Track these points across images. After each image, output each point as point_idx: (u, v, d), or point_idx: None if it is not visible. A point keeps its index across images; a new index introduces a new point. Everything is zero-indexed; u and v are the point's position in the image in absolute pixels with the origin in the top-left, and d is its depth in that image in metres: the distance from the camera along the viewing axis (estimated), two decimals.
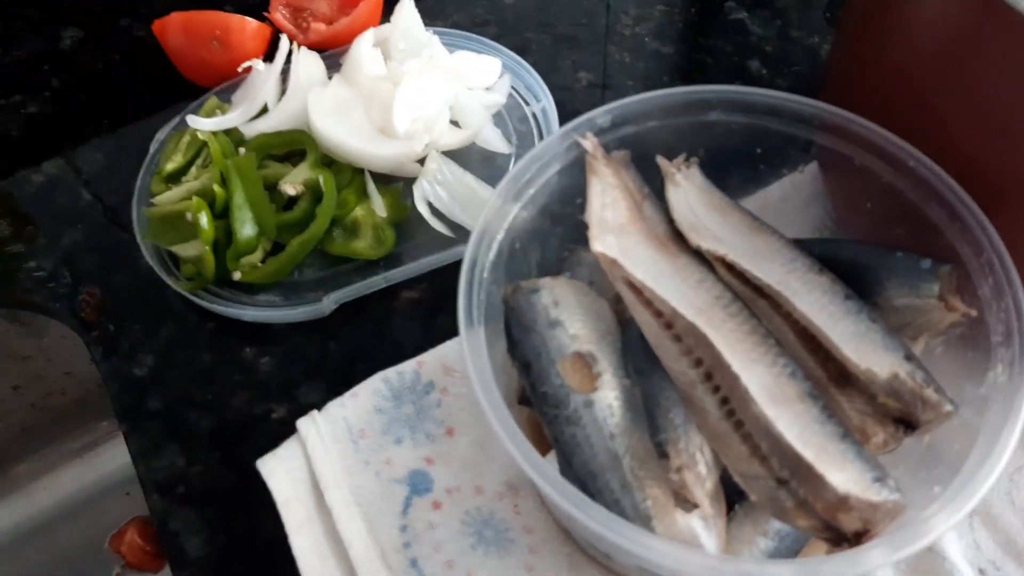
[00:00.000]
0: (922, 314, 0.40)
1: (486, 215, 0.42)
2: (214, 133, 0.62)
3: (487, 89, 0.67)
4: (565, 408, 0.39)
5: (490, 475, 0.48)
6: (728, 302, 0.40)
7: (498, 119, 0.66)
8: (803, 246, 0.43)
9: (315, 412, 0.50)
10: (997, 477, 0.33)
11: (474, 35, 0.71)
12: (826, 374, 0.39)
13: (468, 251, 0.40)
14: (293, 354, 0.56)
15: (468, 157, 0.63)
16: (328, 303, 0.56)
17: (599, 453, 0.38)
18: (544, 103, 0.66)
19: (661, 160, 0.46)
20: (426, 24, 0.69)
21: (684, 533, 0.37)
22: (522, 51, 0.70)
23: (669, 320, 0.39)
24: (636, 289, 0.40)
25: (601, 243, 0.41)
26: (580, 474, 0.39)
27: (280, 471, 0.47)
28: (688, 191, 0.45)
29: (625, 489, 0.38)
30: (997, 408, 0.35)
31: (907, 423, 0.37)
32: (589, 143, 0.44)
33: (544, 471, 0.34)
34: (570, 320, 0.42)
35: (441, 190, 0.59)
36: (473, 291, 0.39)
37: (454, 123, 0.64)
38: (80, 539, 0.90)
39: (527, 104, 0.68)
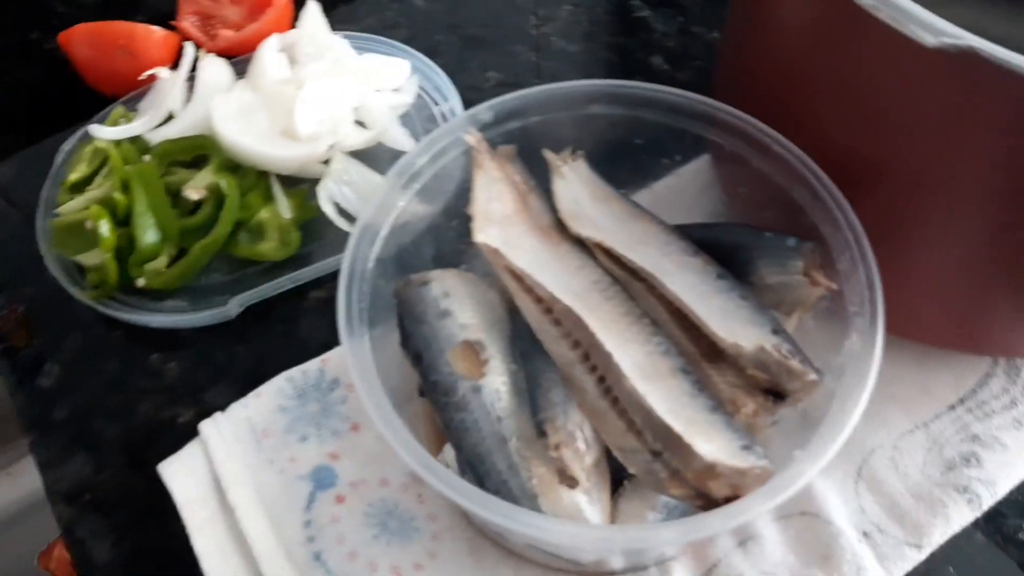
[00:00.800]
0: (792, 290, 0.42)
1: (367, 212, 0.43)
2: (118, 142, 0.62)
3: (395, 90, 0.68)
4: (454, 395, 0.40)
5: (395, 467, 0.48)
6: (606, 286, 0.42)
7: (406, 119, 0.67)
8: (684, 231, 0.45)
9: (218, 414, 0.50)
10: (852, 429, 0.35)
11: (384, 38, 0.72)
12: (698, 350, 0.40)
13: (348, 249, 0.41)
14: (200, 358, 0.56)
15: (376, 157, 0.64)
16: (234, 306, 0.56)
17: (487, 436, 0.40)
18: (452, 103, 0.67)
19: (547, 153, 0.47)
20: (338, 28, 0.70)
21: (569, 509, 0.38)
22: (432, 53, 0.71)
23: (548, 305, 0.41)
24: (518, 277, 0.42)
25: (484, 234, 0.43)
26: (469, 458, 0.40)
27: (181, 473, 0.47)
28: (573, 183, 0.46)
29: (512, 470, 0.39)
30: (852, 373, 0.37)
31: (776, 393, 0.39)
32: (472, 138, 0.45)
33: (426, 463, 0.35)
34: (460, 310, 0.43)
35: (347, 190, 0.60)
36: (354, 290, 0.40)
37: (361, 124, 0.65)
38: (8, 557, 0.89)
39: (436, 104, 0.68)
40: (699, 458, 0.35)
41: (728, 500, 0.35)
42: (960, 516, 0.46)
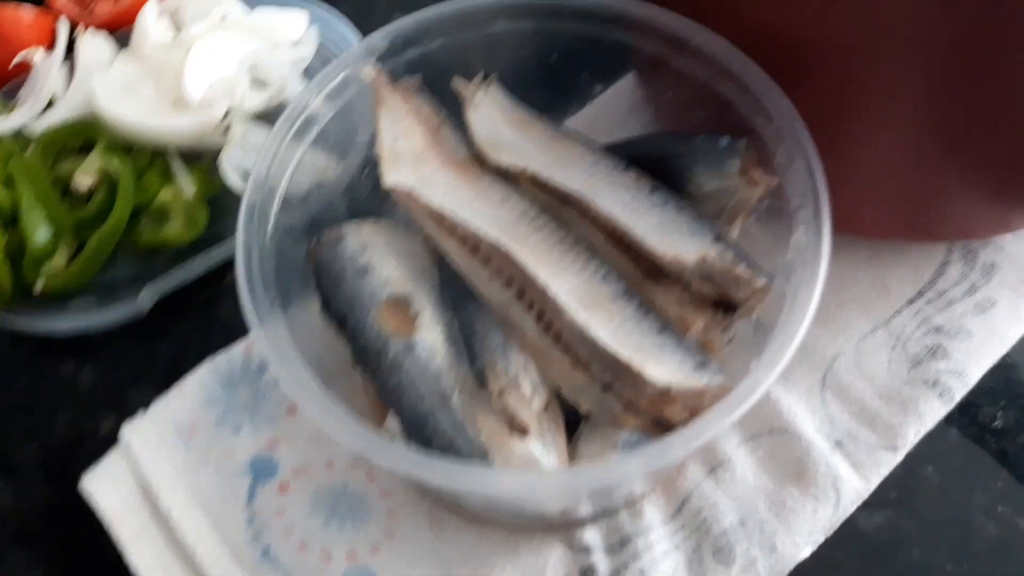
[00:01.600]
0: (731, 195, 0.39)
1: (257, 170, 0.39)
2: None
3: (294, 44, 0.63)
4: (386, 357, 0.37)
5: (340, 447, 0.45)
6: (534, 216, 0.39)
7: (310, 74, 0.62)
8: (612, 149, 0.42)
9: (138, 416, 0.46)
10: (806, 330, 0.32)
11: None
12: (639, 271, 0.38)
13: (240, 217, 0.37)
14: (116, 360, 0.52)
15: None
16: (146, 299, 0.52)
17: (426, 396, 0.37)
18: None
19: (458, 81, 0.43)
20: None
21: (523, 460, 0.36)
22: (332, 0, 0.66)
23: (474, 244, 0.38)
24: (438, 217, 0.38)
25: (394, 175, 0.39)
26: (411, 421, 0.37)
27: (105, 486, 0.43)
28: (488, 110, 0.43)
29: (457, 427, 0.36)
30: (800, 269, 0.34)
31: (726, 305, 0.37)
32: (369, 71, 0.41)
33: (364, 438, 0.32)
34: (380, 264, 0.40)
35: (253, 156, 0.56)
36: (254, 262, 0.37)
37: (261, 84, 0.60)
38: None
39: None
40: (651, 384, 0.33)
41: (686, 423, 0.33)
42: (932, 412, 0.44)
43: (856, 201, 0.45)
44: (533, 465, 0.36)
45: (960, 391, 0.44)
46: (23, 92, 0.62)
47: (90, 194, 0.55)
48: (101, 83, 0.57)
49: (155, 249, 0.54)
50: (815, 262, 0.34)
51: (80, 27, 0.63)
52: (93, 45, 0.61)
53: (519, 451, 0.36)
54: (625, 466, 0.33)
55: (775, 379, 0.32)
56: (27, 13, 0.65)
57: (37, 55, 0.61)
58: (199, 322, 0.53)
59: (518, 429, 0.35)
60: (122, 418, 0.48)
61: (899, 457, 0.43)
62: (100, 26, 0.64)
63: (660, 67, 0.41)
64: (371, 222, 0.42)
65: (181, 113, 0.55)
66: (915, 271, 0.48)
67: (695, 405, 0.33)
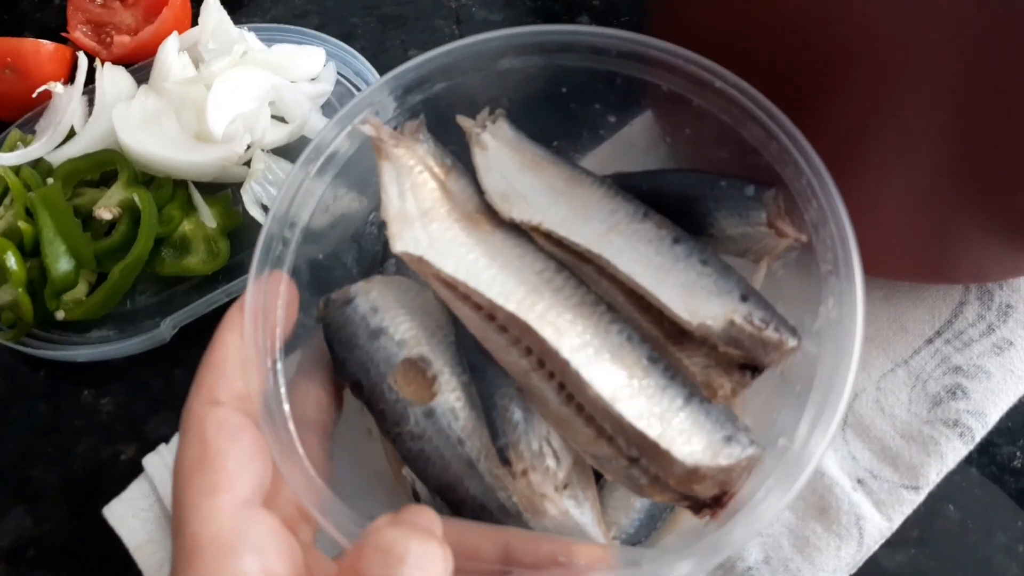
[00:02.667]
0: (756, 241, 0.38)
1: (277, 208, 0.37)
2: (16, 168, 0.57)
3: (312, 80, 0.64)
4: (406, 423, 0.36)
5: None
6: (552, 275, 0.36)
7: (328, 109, 0.63)
8: (628, 183, 0.40)
9: (162, 446, 0.46)
10: (841, 418, 0.31)
11: (294, 27, 0.68)
12: (662, 332, 0.36)
13: (254, 264, 0.36)
14: (136, 389, 0.52)
15: (299, 152, 0.59)
16: (167, 328, 0.52)
17: (451, 463, 0.35)
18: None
19: (462, 120, 0.41)
20: (243, 21, 0.66)
21: (558, 518, 0.35)
22: (348, 37, 0.68)
23: (490, 312, 0.35)
24: (452, 285, 0.36)
25: (402, 241, 0.36)
26: (438, 488, 0.36)
27: (128, 515, 0.43)
28: (497, 152, 0.40)
29: (488, 493, 0.35)
30: (831, 347, 0.33)
31: (752, 367, 0.35)
32: (371, 127, 0.38)
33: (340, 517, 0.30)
34: (393, 325, 0.37)
35: (273, 189, 0.56)
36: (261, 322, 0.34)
37: (280, 119, 0.61)
38: None
39: (358, 90, 0.65)
40: (679, 463, 0.32)
41: (716, 498, 0.32)
42: (954, 451, 0.44)
43: (874, 243, 0.45)
44: (570, 521, 0.35)
45: (980, 431, 0.45)
46: (41, 124, 0.63)
47: (110, 225, 0.55)
48: (123, 116, 0.57)
49: (176, 280, 0.54)
50: (850, 339, 0.32)
51: (97, 61, 0.63)
52: (113, 78, 0.62)
53: (554, 510, 0.35)
54: (680, 567, 0.30)
55: (824, 452, 0.30)
56: (46, 47, 0.66)
57: (56, 88, 0.62)
58: None
59: (548, 503, 0.34)
60: (142, 445, 0.49)
61: (921, 497, 0.43)
62: (117, 60, 0.65)
63: (679, 104, 0.40)
64: (379, 280, 0.40)
65: (204, 147, 0.56)
66: (932, 311, 0.49)
67: (725, 480, 0.32)
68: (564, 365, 0.33)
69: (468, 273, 0.36)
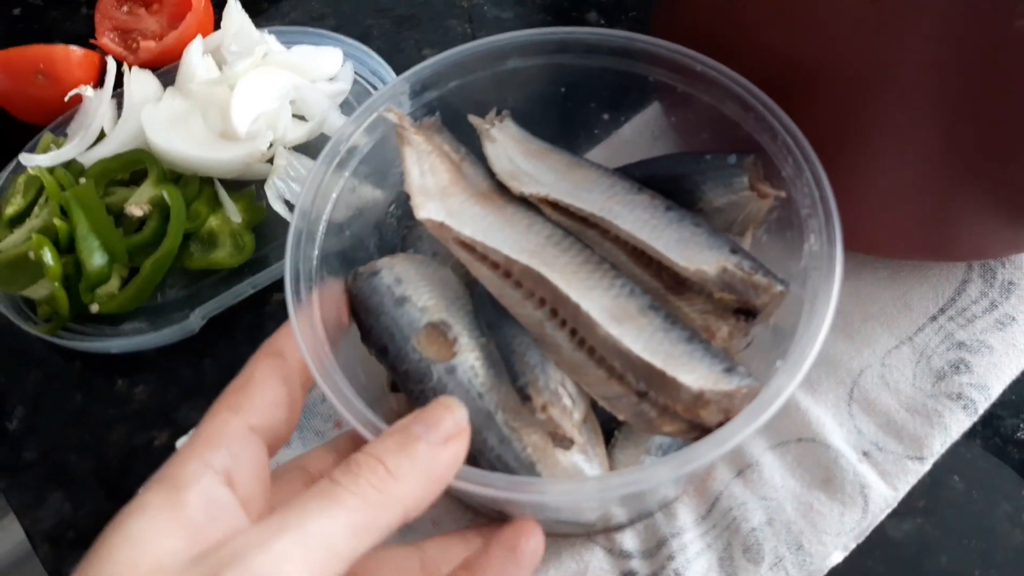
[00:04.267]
0: (741, 208, 0.41)
1: (303, 201, 0.40)
2: (51, 168, 0.59)
3: (331, 79, 0.66)
4: (430, 380, 0.38)
5: None
6: (559, 239, 0.41)
7: (347, 107, 0.65)
8: (625, 170, 0.44)
9: (194, 430, 0.48)
10: (827, 332, 0.34)
11: (312, 29, 0.70)
12: (663, 284, 0.40)
13: (288, 246, 0.39)
14: (167, 378, 0.54)
15: (320, 149, 0.61)
16: (196, 320, 0.54)
17: (472, 415, 0.36)
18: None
19: (473, 118, 0.46)
20: (263, 25, 0.68)
21: (568, 470, 0.37)
22: (364, 38, 0.69)
23: (506, 268, 0.39)
24: (469, 247, 0.40)
25: (425, 210, 0.41)
26: None
27: None
28: (504, 143, 0.45)
29: (504, 443, 0.37)
30: (816, 274, 0.36)
31: (746, 311, 0.39)
32: (394, 115, 0.43)
33: None
34: (416, 294, 0.41)
35: (295, 185, 0.58)
36: (302, 288, 0.38)
37: (300, 117, 0.63)
38: None
39: (375, 89, 0.67)
40: (686, 389, 0.35)
41: (721, 425, 0.34)
42: (957, 423, 0.45)
43: (874, 222, 0.47)
44: (577, 474, 0.38)
45: (983, 404, 0.46)
46: (72, 127, 0.65)
47: (140, 221, 0.57)
48: (151, 117, 0.59)
49: (204, 273, 0.56)
50: (830, 266, 0.35)
51: (125, 66, 0.66)
52: (140, 82, 0.64)
53: (564, 462, 0.38)
54: (658, 471, 0.34)
55: (799, 382, 0.33)
56: (76, 53, 0.68)
57: (87, 92, 0.64)
58: (246, 342, 0.55)
59: (563, 442, 0.37)
60: (174, 433, 0.51)
61: (926, 467, 0.45)
62: (144, 64, 0.67)
63: (667, 91, 0.44)
64: (403, 256, 0.43)
65: (228, 145, 0.58)
66: (936, 289, 0.50)
67: (728, 407, 0.35)
68: (575, 308, 0.37)
69: (485, 235, 0.40)
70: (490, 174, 0.44)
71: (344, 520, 0.28)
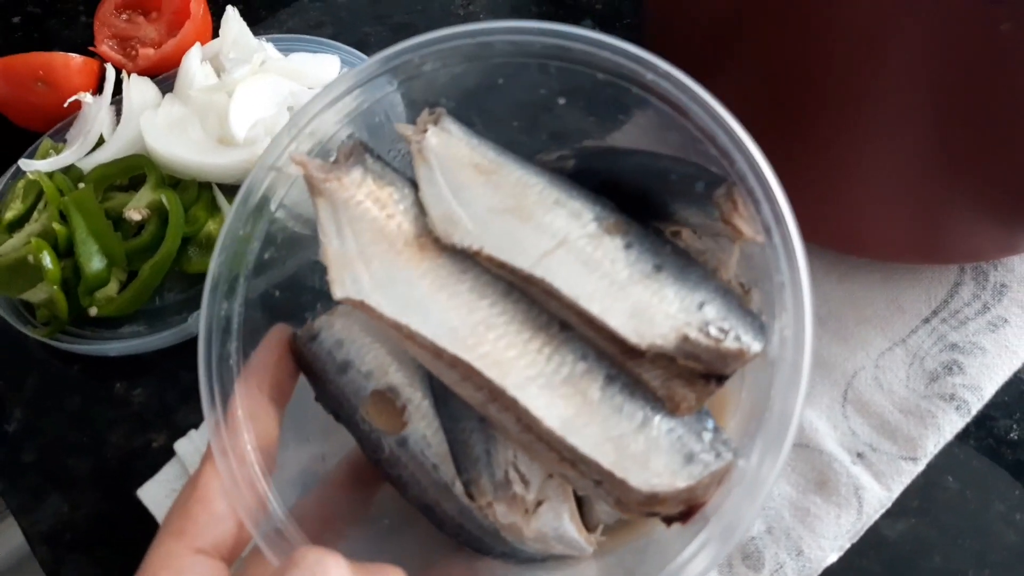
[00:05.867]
0: (718, 233, 0.35)
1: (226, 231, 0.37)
2: (50, 173, 0.60)
3: None
4: (382, 452, 0.36)
5: None
6: (501, 303, 0.35)
7: None
8: (589, 164, 0.38)
9: (192, 431, 0.49)
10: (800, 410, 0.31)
11: (310, 37, 0.71)
12: (619, 348, 0.33)
13: (205, 292, 0.36)
14: (166, 380, 0.54)
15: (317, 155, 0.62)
16: (194, 323, 0.54)
17: (428, 488, 0.36)
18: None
19: (401, 127, 0.38)
20: (261, 33, 0.69)
21: (537, 528, 0.35)
22: (362, 45, 0.70)
23: (436, 352, 0.34)
24: (395, 327, 0.34)
25: (342, 288, 0.34)
26: (419, 508, 0.37)
27: (161, 495, 0.46)
28: (441, 161, 0.36)
29: (464, 513, 0.35)
30: (782, 374, 0.31)
31: (716, 376, 0.32)
32: (298, 164, 0.36)
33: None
34: (359, 357, 0.37)
35: (293, 189, 0.58)
36: (214, 332, 0.35)
37: None
38: None
39: None
40: (636, 491, 0.31)
41: (684, 514, 0.32)
42: (950, 424, 0.46)
43: (867, 226, 0.47)
44: (551, 530, 0.35)
45: (976, 405, 0.46)
46: (71, 133, 0.66)
47: (139, 226, 0.57)
48: (150, 123, 0.60)
49: (202, 277, 0.56)
50: (795, 376, 0.31)
51: (124, 73, 0.66)
52: (139, 88, 0.65)
53: (534, 522, 0.35)
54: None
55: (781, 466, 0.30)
56: (76, 60, 0.69)
57: (86, 98, 0.65)
58: None
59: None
60: (172, 435, 0.51)
61: (919, 467, 0.45)
62: (142, 72, 0.67)
63: (623, 92, 0.36)
64: (343, 311, 0.38)
65: (227, 150, 0.59)
66: (928, 292, 0.50)
67: (687, 498, 0.31)
68: (512, 402, 0.33)
69: (411, 309, 0.34)
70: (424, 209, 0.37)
71: None
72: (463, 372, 0.33)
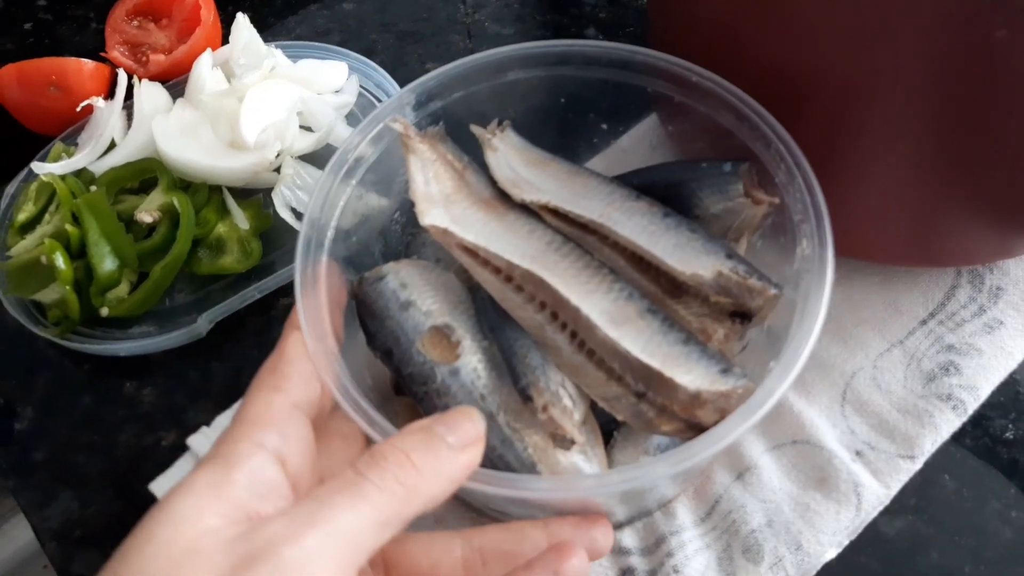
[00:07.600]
0: (737, 214, 0.43)
1: (312, 209, 0.41)
2: (62, 176, 0.61)
3: (336, 92, 0.68)
4: (433, 382, 0.40)
5: None
6: (559, 244, 0.42)
7: (352, 119, 0.67)
8: (621, 179, 0.45)
9: (204, 428, 0.49)
10: (819, 332, 0.35)
11: (318, 44, 0.72)
12: (660, 288, 0.41)
13: (298, 253, 0.40)
14: (175, 380, 0.55)
15: (326, 159, 0.62)
16: (203, 323, 0.55)
17: None
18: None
19: (475, 128, 0.47)
20: (269, 40, 0.70)
21: (568, 470, 0.38)
22: (369, 52, 0.71)
23: (507, 273, 0.41)
24: (472, 252, 0.41)
25: (429, 217, 0.42)
26: None
27: None
28: (505, 153, 0.46)
29: (505, 444, 0.39)
30: (808, 277, 0.37)
31: (741, 314, 0.40)
32: (400, 124, 0.44)
33: None
34: (420, 298, 0.42)
35: (302, 194, 0.60)
36: (310, 293, 0.39)
37: (307, 128, 0.64)
38: None
39: (379, 101, 0.68)
40: (683, 389, 0.36)
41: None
42: (947, 423, 0.46)
43: (866, 229, 0.48)
44: (577, 473, 0.39)
45: (972, 404, 0.47)
46: (83, 137, 0.67)
47: (150, 228, 0.58)
48: (161, 127, 0.61)
49: (212, 278, 0.58)
50: (821, 269, 0.37)
51: (135, 78, 0.67)
52: (150, 94, 0.66)
53: (564, 462, 0.39)
54: (655, 467, 0.34)
55: (792, 381, 0.34)
56: (88, 65, 0.70)
57: (98, 103, 0.66)
58: (252, 346, 0.56)
59: (564, 440, 0.38)
60: (182, 434, 0.52)
61: (917, 465, 0.46)
62: (153, 77, 0.69)
63: (663, 102, 0.45)
64: (407, 261, 0.44)
65: (237, 154, 0.60)
66: (926, 295, 0.51)
67: (724, 406, 0.36)
68: (575, 312, 0.38)
69: (487, 240, 0.41)
70: (492, 182, 0.46)
71: (369, 515, 0.28)
72: (531, 289, 0.40)
